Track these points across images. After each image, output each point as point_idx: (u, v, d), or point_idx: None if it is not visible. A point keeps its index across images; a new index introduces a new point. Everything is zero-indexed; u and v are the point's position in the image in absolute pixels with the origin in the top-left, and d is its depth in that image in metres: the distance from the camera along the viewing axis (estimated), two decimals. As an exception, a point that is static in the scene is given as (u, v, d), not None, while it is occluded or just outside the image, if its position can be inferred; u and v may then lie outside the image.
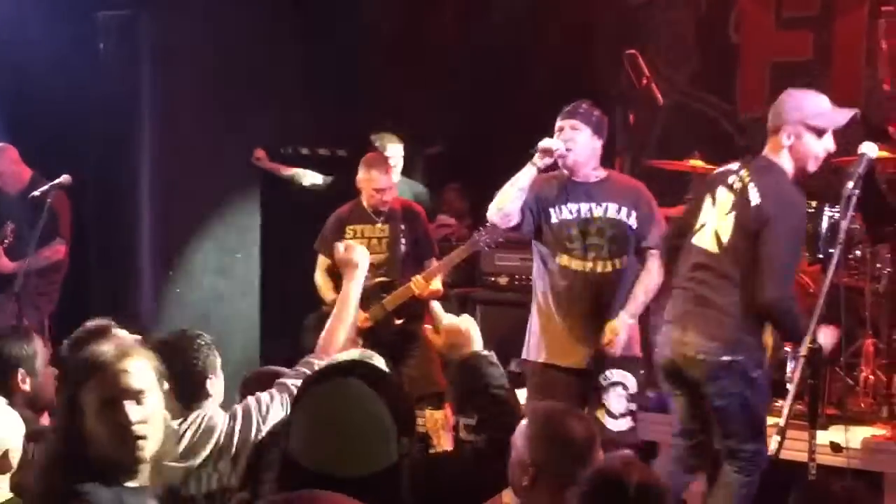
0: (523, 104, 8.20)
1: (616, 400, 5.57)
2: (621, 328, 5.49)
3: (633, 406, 5.60)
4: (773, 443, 4.44)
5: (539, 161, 5.48)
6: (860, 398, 6.21)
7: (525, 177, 5.51)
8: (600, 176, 5.70)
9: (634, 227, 5.59)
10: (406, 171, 8.12)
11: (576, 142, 5.55)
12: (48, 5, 7.89)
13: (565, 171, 5.63)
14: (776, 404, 6.35)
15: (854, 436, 5.52)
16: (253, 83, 8.17)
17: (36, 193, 7.18)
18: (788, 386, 4.61)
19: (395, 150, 7.57)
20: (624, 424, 5.55)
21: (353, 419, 2.26)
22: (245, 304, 8.41)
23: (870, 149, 4.56)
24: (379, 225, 6.91)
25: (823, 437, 4.76)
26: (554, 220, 5.61)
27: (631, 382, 5.58)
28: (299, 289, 7.23)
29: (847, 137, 5.15)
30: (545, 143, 5.49)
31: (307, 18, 8.60)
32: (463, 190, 8.82)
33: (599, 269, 5.58)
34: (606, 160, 7.22)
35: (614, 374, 5.58)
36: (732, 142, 8.12)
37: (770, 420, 6.07)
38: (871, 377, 6.21)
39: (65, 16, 7.87)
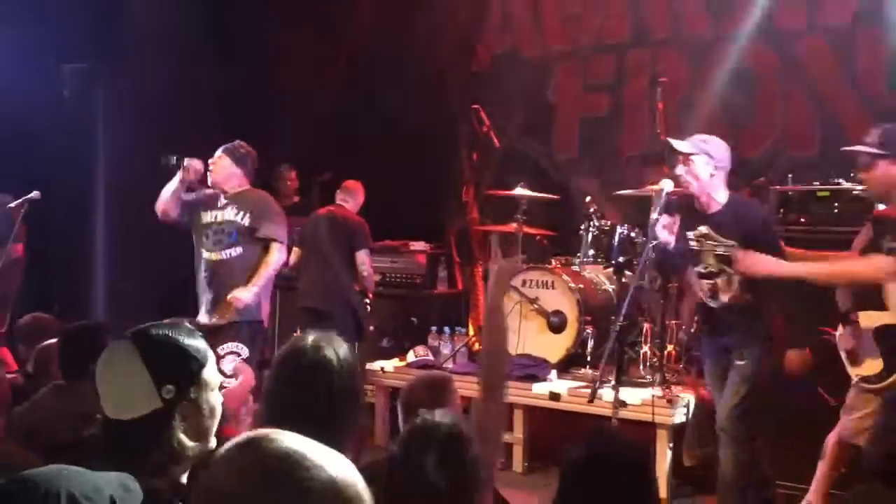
0: (393, 144, 8.19)
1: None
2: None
3: None
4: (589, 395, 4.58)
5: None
6: (639, 368, 6.34)
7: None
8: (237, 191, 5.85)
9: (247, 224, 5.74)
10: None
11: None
12: (20, 59, 7.64)
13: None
14: (579, 371, 6.55)
15: (634, 395, 5.66)
16: (183, 119, 8.02)
17: (11, 205, 6.90)
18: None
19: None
20: None
21: (110, 372, 2.10)
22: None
23: (667, 184, 4.74)
24: None
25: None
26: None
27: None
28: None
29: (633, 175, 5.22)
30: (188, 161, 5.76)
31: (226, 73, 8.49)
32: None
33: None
34: (452, 186, 7.29)
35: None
36: (549, 176, 8.15)
37: (573, 384, 6.26)
38: (649, 353, 6.36)
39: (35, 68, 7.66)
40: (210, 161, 5.85)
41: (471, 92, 8.33)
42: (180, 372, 2.10)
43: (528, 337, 6.63)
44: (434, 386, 3.35)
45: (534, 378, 6.35)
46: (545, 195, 6.98)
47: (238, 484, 1.31)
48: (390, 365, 7.02)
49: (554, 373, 6.48)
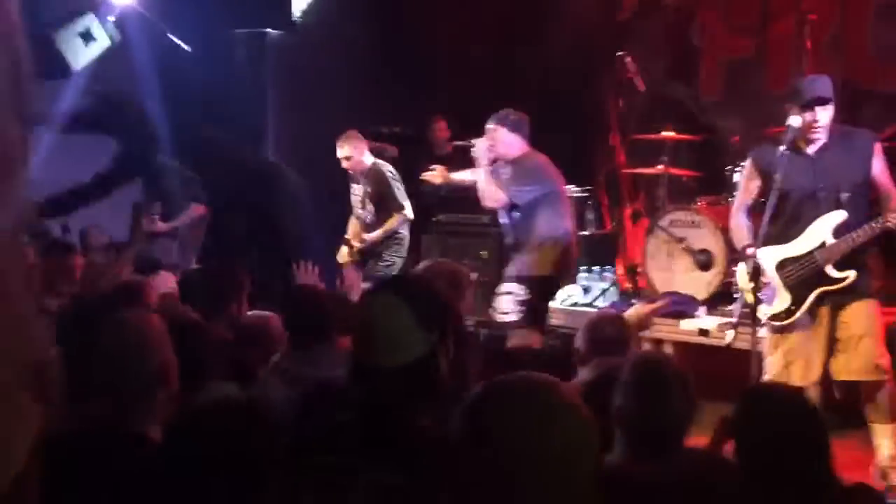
0: (541, 94, 8.29)
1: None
2: None
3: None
4: (728, 336, 4.69)
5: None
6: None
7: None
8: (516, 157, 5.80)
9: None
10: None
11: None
12: (198, 24, 8.03)
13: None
14: (727, 308, 6.58)
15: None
16: (346, 82, 8.33)
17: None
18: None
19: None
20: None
21: (379, 322, 2.15)
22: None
23: (795, 121, 4.72)
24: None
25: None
26: None
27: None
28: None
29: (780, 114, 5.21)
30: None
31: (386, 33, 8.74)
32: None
33: None
34: (598, 133, 7.34)
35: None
36: (695, 119, 8.11)
37: (722, 320, 6.28)
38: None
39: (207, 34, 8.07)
40: (487, 135, 5.73)
41: (616, 39, 8.34)
42: (440, 317, 2.19)
43: (677, 275, 6.72)
44: (618, 323, 3.61)
45: (682, 315, 6.44)
46: (689, 136, 6.98)
47: None
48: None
49: (703, 309, 6.55)
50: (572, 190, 7.69)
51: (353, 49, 8.57)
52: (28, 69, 1.22)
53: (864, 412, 4.59)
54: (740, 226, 4.68)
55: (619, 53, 7.49)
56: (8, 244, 1.12)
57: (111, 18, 6.83)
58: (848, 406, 5.29)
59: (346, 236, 7.26)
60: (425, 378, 2.13)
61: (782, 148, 4.42)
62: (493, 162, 5.72)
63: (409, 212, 7.11)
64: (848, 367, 4.51)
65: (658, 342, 6.30)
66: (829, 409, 5.65)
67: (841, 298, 4.48)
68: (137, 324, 2.34)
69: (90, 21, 6.61)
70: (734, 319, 4.43)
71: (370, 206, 7.09)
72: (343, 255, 7.17)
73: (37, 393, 1.15)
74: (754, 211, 4.73)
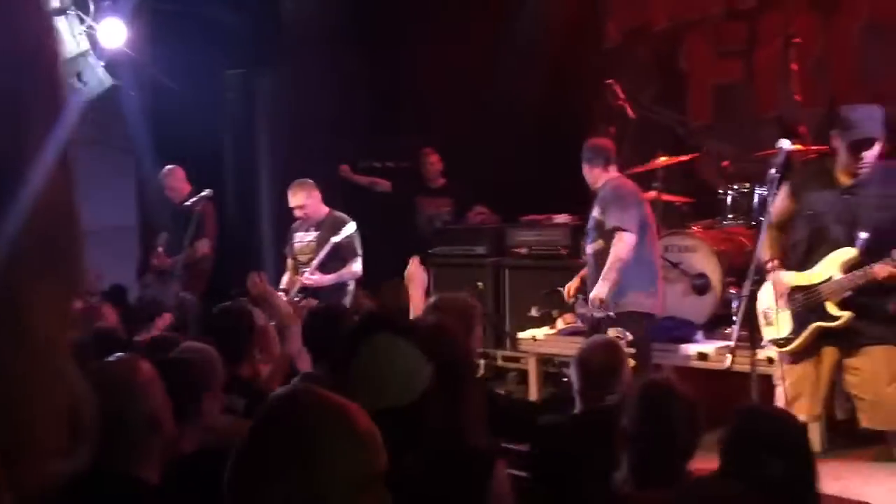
0: (534, 124, 8.31)
1: None
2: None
3: None
4: (727, 360, 4.64)
5: None
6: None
7: None
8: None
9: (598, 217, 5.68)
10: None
11: None
12: (189, 67, 8.08)
13: None
14: (725, 331, 6.53)
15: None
16: (334, 118, 8.36)
17: (187, 203, 7.33)
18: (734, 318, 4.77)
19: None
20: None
21: (390, 363, 2.13)
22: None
23: (785, 143, 4.73)
24: None
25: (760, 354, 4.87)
26: None
27: None
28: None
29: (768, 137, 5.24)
30: None
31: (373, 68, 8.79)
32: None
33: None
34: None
35: None
36: (685, 143, 8.12)
37: (721, 343, 6.24)
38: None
39: (202, 76, 8.10)
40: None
41: (604, 67, 8.36)
42: (439, 350, 2.20)
43: (673, 300, 6.68)
44: (608, 349, 3.59)
45: (680, 340, 6.40)
46: (679, 158, 6.99)
47: None
48: (541, 333, 7.18)
49: (700, 333, 6.51)
50: (568, 218, 7.71)
51: (342, 85, 8.59)
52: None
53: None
54: (767, 239, 4.65)
55: (608, 81, 7.50)
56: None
57: (102, 63, 6.84)
58: (850, 424, 5.27)
59: (282, 286, 7.06)
60: (427, 414, 2.13)
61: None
62: None
63: (360, 265, 6.94)
64: (873, 418, 4.46)
65: (658, 367, 6.25)
66: (832, 430, 5.67)
67: (848, 343, 4.44)
68: (123, 371, 2.30)
69: (82, 65, 6.62)
70: (732, 343, 4.39)
71: (322, 255, 6.77)
72: None
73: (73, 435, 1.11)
74: (783, 231, 4.74)
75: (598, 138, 6.00)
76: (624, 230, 5.44)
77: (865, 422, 4.45)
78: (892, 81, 7.12)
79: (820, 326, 4.44)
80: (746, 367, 4.47)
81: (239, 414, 3.28)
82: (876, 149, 4.41)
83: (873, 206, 4.40)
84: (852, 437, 5.57)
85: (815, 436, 5.53)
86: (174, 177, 7.82)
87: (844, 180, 4.49)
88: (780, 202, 4.71)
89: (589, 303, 5.56)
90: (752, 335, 4.47)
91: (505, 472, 2.28)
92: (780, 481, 2.30)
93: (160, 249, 7.65)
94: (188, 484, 2.12)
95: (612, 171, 5.79)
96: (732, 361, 4.50)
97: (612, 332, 5.37)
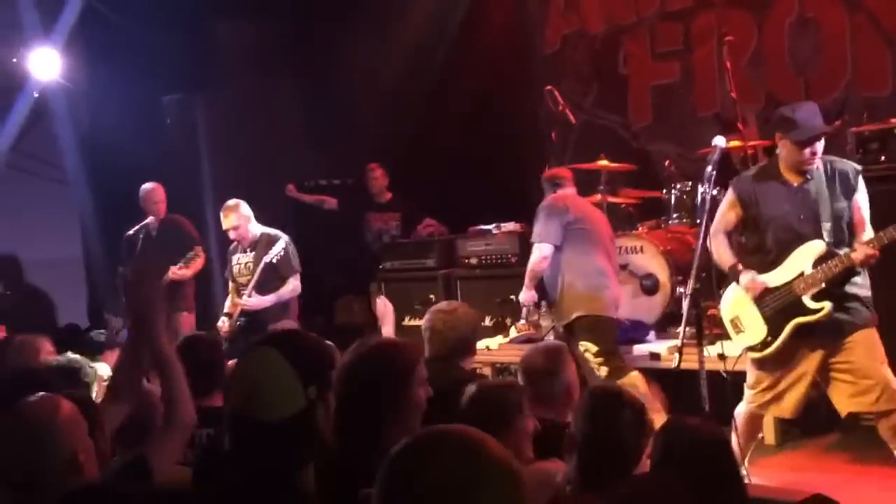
0: (476, 134, 8.31)
1: None
2: None
3: None
4: (675, 359, 4.61)
5: None
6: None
7: None
8: None
9: None
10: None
11: None
12: (125, 94, 7.96)
13: None
14: (676, 330, 6.53)
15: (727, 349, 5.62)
16: (277, 139, 8.29)
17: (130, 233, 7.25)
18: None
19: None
20: None
21: (258, 375, 2.09)
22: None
23: (720, 141, 4.73)
24: None
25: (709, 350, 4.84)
26: None
27: None
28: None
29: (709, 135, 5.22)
30: None
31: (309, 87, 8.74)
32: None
33: None
34: (537, 167, 7.39)
35: None
36: (628, 145, 8.19)
37: (671, 342, 6.24)
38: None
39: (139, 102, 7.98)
40: None
41: (544, 73, 8.38)
42: (321, 373, 2.13)
43: (623, 301, 6.67)
44: (549, 353, 3.64)
45: (633, 341, 6.39)
46: (623, 165, 7.02)
47: None
48: (495, 343, 7.14)
49: (653, 333, 6.52)
50: (516, 227, 7.70)
51: (282, 105, 8.53)
52: None
53: (883, 437, 4.48)
54: (723, 245, 4.64)
55: (548, 88, 7.51)
56: None
57: (35, 94, 6.73)
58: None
59: (226, 310, 6.89)
60: (305, 434, 2.07)
61: (750, 173, 4.46)
62: None
63: (297, 281, 6.79)
64: (861, 401, 4.43)
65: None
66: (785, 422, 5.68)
67: (832, 339, 4.41)
68: (40, 411, 2.21)
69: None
70: (679, 342, 4.37)
71: (257, 276, 6.63)
72: (224, 327, 6.82)
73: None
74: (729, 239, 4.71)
75: (550, 169, 6.24)
76: (539, 243, 5.76)
77: (883, 404, 4.35)
78: (823, 74, 7.22)
79: (800, 322, 4.41)
80: (695, 366, 4.45)
81: (201, 447, 3.23)
82: (822, 144, 4.44)
83: (827, 197, 4.43)
84: (805, 429, 5.61)
85: (769, 429, 5.58)
86: (157, 193, 7.56)
87: (794, 179, 4.51)
88: (727, 211, 4.68)
89: None
90: (700, 333, 4.46)
91: None
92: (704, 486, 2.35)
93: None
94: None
95: (563, 193, 5.94)
96: (680, 360, 4.48)
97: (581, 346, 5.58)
